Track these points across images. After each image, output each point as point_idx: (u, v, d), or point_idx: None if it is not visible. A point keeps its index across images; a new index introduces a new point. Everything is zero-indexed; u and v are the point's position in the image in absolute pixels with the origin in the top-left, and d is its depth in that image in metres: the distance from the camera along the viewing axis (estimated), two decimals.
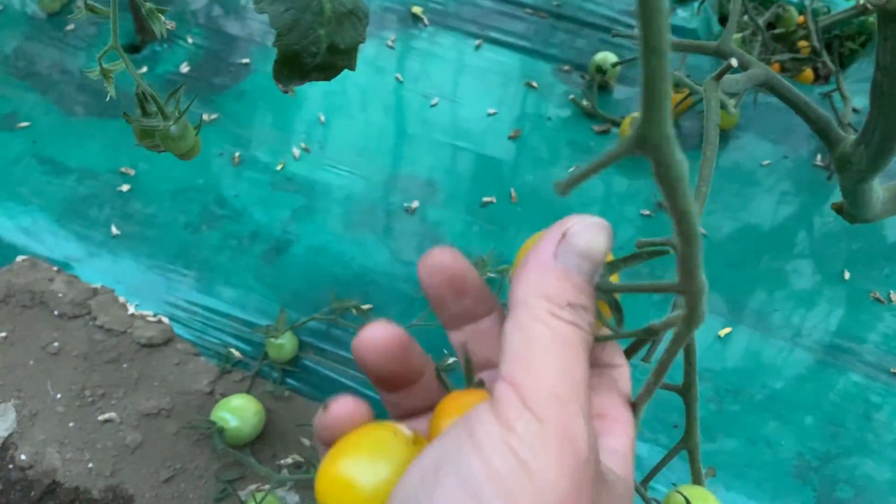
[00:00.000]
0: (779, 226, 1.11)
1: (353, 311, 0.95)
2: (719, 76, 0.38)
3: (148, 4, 0.43)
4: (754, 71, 0.48)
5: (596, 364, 0.29)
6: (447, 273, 0.30)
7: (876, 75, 0.51)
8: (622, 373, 0.30)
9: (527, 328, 0.24)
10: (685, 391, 0.29)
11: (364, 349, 0.29)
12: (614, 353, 0.30)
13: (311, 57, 0.42)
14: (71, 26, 1.29)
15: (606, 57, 1.22)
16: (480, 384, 0.30)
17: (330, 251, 1.04)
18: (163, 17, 0.42)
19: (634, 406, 0.29)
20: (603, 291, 0.26)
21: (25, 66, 1.23)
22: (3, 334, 0.95)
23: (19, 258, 1.00)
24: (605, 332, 0.28)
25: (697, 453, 0.27)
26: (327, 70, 0.45)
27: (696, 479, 0.29)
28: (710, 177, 0.34)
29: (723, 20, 1.40)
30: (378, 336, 0.29)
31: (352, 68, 0.47)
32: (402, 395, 0.31)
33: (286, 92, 0.46)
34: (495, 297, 0.32)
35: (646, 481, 0.29)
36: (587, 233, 0.26)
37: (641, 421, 0.29)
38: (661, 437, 0.89)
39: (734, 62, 0.36)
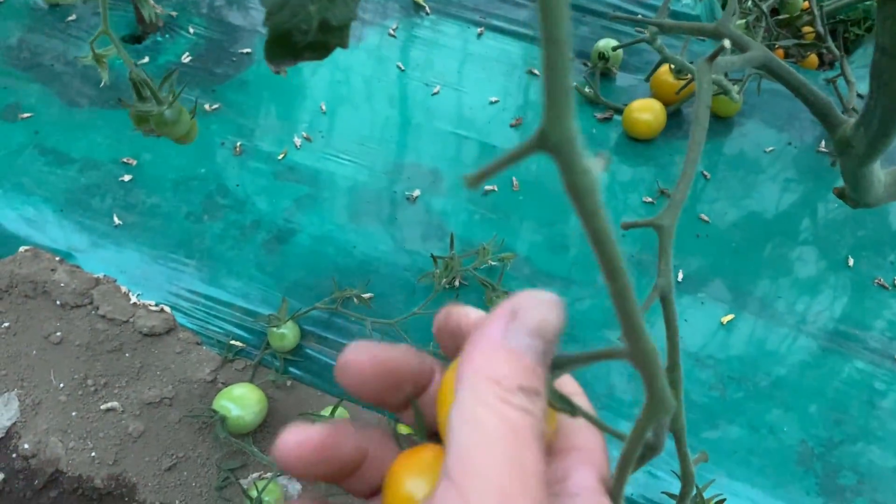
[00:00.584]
0: (783, 212, 1.11)
1: (355, 299, 0.95)
2: (712, 58, 0.37)
3: None
4: (752, 53, 0.47)
5: (556, 450, 0.25)
6: (376, 375, 0.27)
7: (876, 57, 0.51)
8: (592, 456, 0.25)
9: (473, 416, 0.21)
10: (669, 371, 0.29)
11: (285, 461, 0.27)
12: (579, 436, 0.26)
13: (303, 35, 0.42)
14: (73, 17, 1.28)
15: (609, 44, 1.21)
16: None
17: (332, 240, 1.04)
18: (152, 2, 0.41)
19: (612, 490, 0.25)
20: (555, 368, 0.23)
21: (28, 57, 1.23)
22: (6, 324, 0.95)
23: (22, 248, 1.00)
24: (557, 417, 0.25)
25: (683, 435, 0.26)
26: (319, 49, 0.44)
27: (684, 463, 0.29)
28: (696, 159, 0.33)
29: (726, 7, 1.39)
30: (294, 443, 0.27)
31: (344, 46, 0.47)
32: (357, 479, 0.28)
33: (278, 72, 0.46)
34: (432, 365, 0.29)
35: None
36: (538, 310, 0.23)
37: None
38: None
39: (727, 44, 0.35)
